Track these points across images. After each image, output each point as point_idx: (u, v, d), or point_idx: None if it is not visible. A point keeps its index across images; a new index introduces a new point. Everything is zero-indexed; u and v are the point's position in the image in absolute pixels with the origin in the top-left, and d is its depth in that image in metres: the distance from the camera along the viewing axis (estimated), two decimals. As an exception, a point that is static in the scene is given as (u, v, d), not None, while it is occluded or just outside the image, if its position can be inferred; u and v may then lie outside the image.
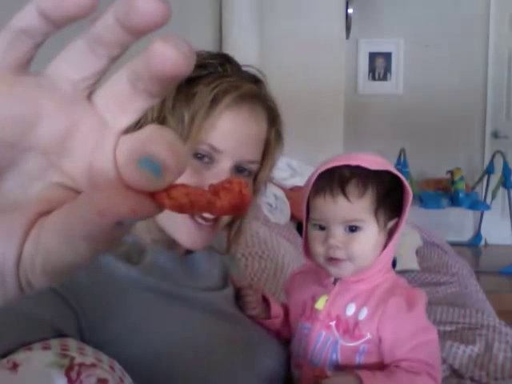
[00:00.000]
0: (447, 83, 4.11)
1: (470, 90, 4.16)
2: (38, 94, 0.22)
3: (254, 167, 0.75)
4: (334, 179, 0.77)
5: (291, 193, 2.32)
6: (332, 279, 0.82)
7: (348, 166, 0.78)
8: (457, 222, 4.08)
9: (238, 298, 0.87)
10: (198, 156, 0.70)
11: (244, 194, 0.23)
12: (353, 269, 0.79)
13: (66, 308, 0.61)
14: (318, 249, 0.79)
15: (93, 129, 0.23)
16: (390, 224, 0.81)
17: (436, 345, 0.80)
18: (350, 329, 0.78)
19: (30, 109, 0.22)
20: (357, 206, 0.77)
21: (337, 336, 0.79)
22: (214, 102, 0.68)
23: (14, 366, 0.51)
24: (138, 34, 0.22)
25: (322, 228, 0.79)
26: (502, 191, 3.87)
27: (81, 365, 0.53)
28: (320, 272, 0.83)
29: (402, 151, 3.81)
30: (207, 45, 2.77)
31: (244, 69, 0.76)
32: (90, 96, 0.24)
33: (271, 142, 0.78)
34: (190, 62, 0.21)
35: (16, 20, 0.22)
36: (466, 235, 4.27)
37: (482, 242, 4.23)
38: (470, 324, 1.57)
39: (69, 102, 0.23)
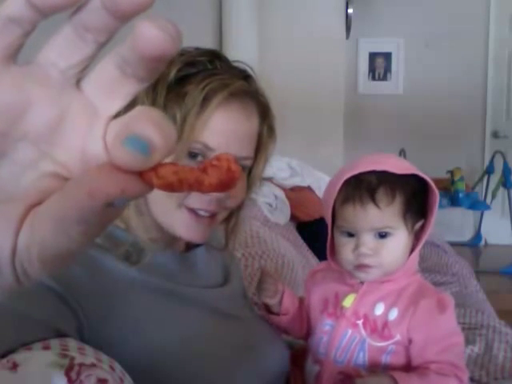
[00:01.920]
0: (447, 83, 4.11)
1: (470, 90, 4.16)
2: (26, 83, 0.22)
3: (247, 163, 0.75)
4: (361, 187, 0.77)
5: (291, 193, 2.32)
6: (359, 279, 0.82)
7: (374, 172, 0.77)
8: (457, 222, 4.07)
9: (258, 283, 0.88)
10: (192, 155, 0.70)
11: (232, 171, 0.23)
12: (381, 273, 0.79)
13: (66, 308, 0.61)
14: (348, 256, 0.79)
15: (82, 116, 0.23)
16: (417, 226, 0.82)
17: (462, 348, 0.81)
18: (378, 328, 0.79)
19: (19, 97, 0.22)
20: (387, 213, 0.77)
21: (364, 335, 0.79)
22: (205, 101, 0.68)
23: (14, 366, 0.50)
24: (123, 17, 0.22)
25: (350, 235, 0.79)
26: (502, 191, 3.86)
27: (81, 365, 0.53)
28: (343, 271, 0.84)
29: (402, 151, 3.81)
30: (207, 45, 2.77)
31: (234, 64, 0.76)
32: (78, 83, 0.24)
33: (264, 137, 0.78)
34: (176, 42, 0.21)
35: (3, 8, 0.22)
36: (466, 235, 4.27)
37: (482, 242, 4.23)
38: (470, 324, 1.57)
39: (58, 90, 0.23)
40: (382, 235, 0.78)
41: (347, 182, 0.78)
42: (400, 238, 0.79)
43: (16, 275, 0.22)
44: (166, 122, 0.22)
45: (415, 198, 0.80)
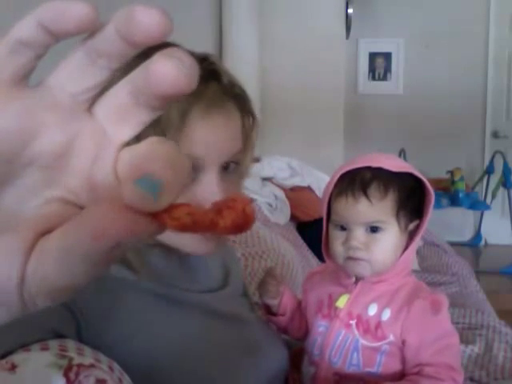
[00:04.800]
0: (447, 83, 4.11)
1: (470, 90, 4.16)
2: (37, 108, 0.22)
3: (240, 156, 0.72)
4: (355, 181, 0.78)
5: (291, 193, 2.32)
6: (353, 279, 0.82)
7: (370, 168, 0.79)
8: (457, 222, 4.07)
9: (261, 283, 0.88)
10: None
11: (247, 213, 0.22)
12: (371, 269, 0.79)
13: (64, 309, 0.61)
14: (338, 249, 0.80)
15: (93, 142, 0.23)
16: (411, 226, 0.82)
17: (458, 349, 0.81)
18: (371, 329, 0.79)
19: (29, 122, 0.21)
20: (378, 208, 0.78)
21: (357, 335, 0.79)
22: (183, 116, 0.65)
23: (13, 367, 0.50)
24: (139, 46, 0.21)
25: (343, 228, 0.80)
26: (502, 191, 3.86)
27: (79, 365, 0.53)
28: (339, 272, 0.84)
29: (402, 151, 3.81)
30: (207, 45, 2.77)
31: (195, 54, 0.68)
32: (89, 108, 0.23)
33: (247, 128, 0.75)
34: (192, 80, 0.21)
35: (15, 30, 0.21)
36: (466, 235, 4.27)
37: (482, 242, 4.23)
38: (470, 324, 1.57)
39: (68, 115, 0.22)
40: (374, 230, 0.78)
41: (342, 178, 0.79)
42: (391, 234, 0.79)
43: (23, 303, 0.22)
44: (181, 157, 0.21)
45: (410, 197, 0.80)
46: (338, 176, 0.80)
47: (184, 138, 0.65)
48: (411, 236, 0.83)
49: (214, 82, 0.70)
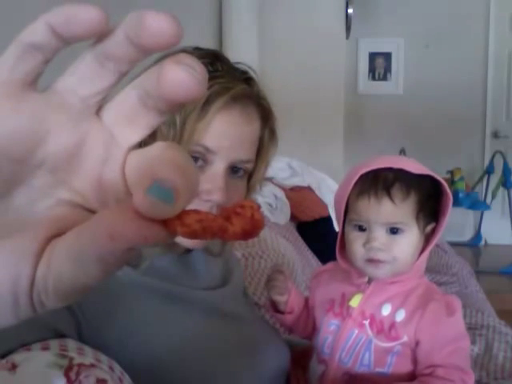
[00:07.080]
0: (447, 83, 4.11)
1: (470, 90, 4.16)
2: (46, 110, 0.22)
3: (248, 166, 0.74)
4: (378, 181, 0.78)
5: (291, 193, 2.32)
6: (366, 278, 0.82)
7: (391, 169, 0.79)
8: (457, 222, 4.07)
9: (268, 280, 0.88)
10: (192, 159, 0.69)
11: (256, 219, 0.23)
12: (391, 271, 0.79)
13: (66, 309, 0.61)
14: (359, 250, 0.79)
15: (101, 145, 0.23)
16: (428, 228, 0.82)
17: (468, 351, 0.81)
18: (385, 329, 0.79)
19: (39, 125, 0.22)
20: (401, 209, 0.78)
21: (370, 335, 0.79)
22: (206, 104, 0.67)
23: (13, 367, 0.50)
24: (148, 51, 0.21)
25: (362, 229, 0.80)
26: (502, 191, 3.86)
27: (80, 365, 0.53)
28: (350, 271, 0.84)
29: (402, 151, 3.81)
30: (207, 45, 2.77)
31: (235, 66, 0.75)
32: (98, 111, 0.23)
33: (265, 141, 0.77)
34: (202, 86, 0.21)
35: (25, 34, 0.21)
36: (466, 235, 4.27)
37: (482, 242, 4.23)
38: (470, 324, 1.57)
39: (77, 118, 0.23)
40: (394, 231, 0.78)
41: (363, 177, 0.79)
42: (411, 236, 0.79)
43: (32, 305, 0.22)
44: (190, 162, 0.21)
45: (429, 199, 0.80)
46: (359, 176, 0.79)
47: (201, 128, 0.67)
48: (427, 238, 0.83)
49: (243, 84, 0.73)
